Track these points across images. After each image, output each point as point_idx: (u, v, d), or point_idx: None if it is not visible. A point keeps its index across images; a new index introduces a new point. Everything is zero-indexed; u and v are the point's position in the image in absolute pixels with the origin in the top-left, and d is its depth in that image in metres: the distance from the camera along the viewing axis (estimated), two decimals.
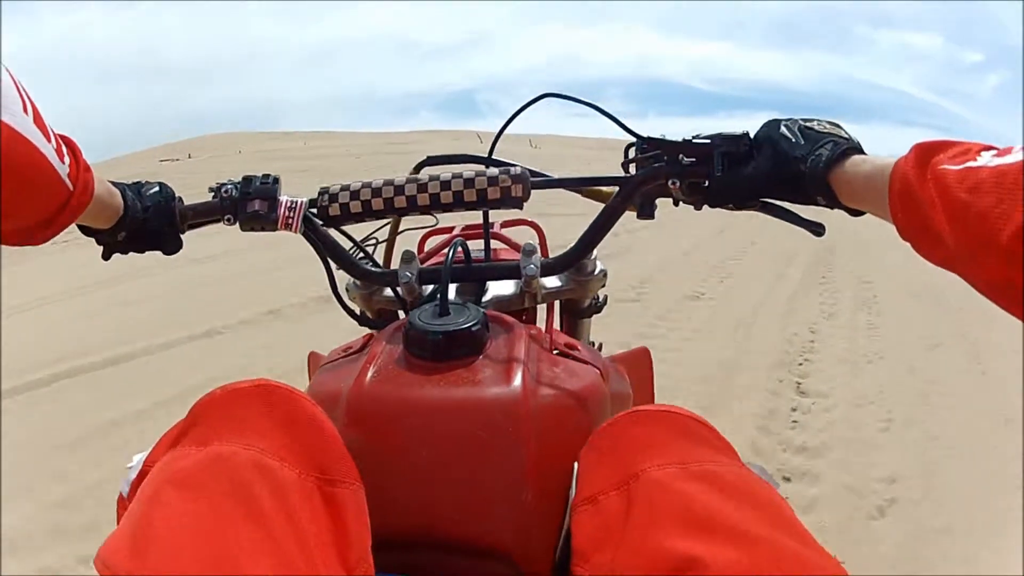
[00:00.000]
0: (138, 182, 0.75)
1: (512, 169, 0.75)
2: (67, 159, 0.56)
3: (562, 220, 2.58)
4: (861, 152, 0.61)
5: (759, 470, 0.57)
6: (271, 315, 3.65)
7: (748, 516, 0.45)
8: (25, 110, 0.51)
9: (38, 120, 0.52)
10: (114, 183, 0.70)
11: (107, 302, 4.11)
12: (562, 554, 0.55)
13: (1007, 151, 0.46)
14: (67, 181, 0.56)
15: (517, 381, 0.59)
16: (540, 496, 0.56)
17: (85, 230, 0.70)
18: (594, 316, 0.99)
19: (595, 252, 0.83)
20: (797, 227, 0.69)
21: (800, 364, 2.93)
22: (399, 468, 0.56)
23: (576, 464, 0.57)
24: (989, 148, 0.48)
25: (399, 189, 0.74)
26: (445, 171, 0.76)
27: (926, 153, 0.51)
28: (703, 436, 0.55)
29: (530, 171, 0.77)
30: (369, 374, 0.61)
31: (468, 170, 0.75)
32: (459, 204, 0.74)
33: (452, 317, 0.65)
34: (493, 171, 0.74)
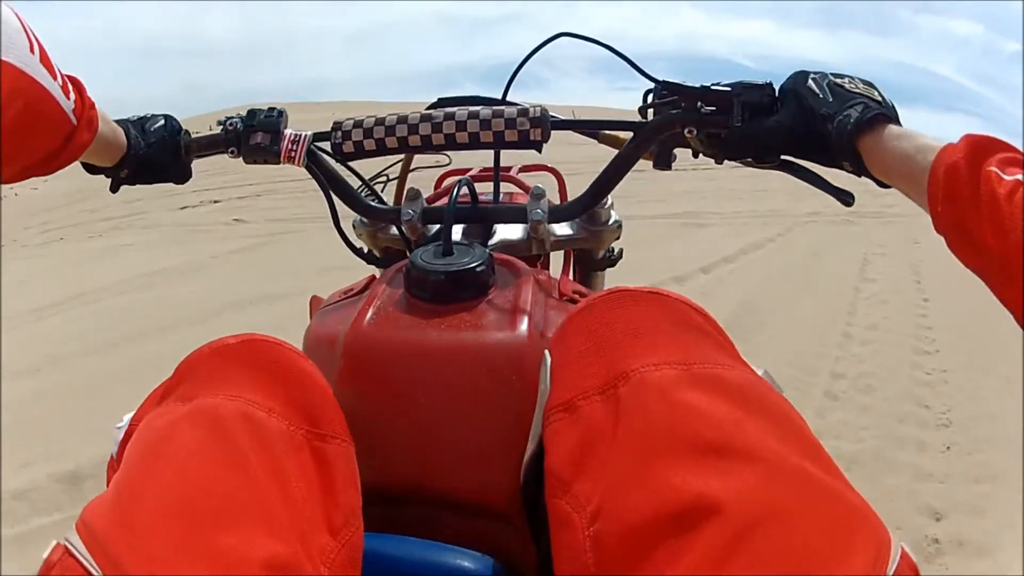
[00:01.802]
0: (143, 117, 0.77)
1: (532, 110, 0.72)
2: (72, 95, 0.59)
3: None
4: (893, 117, 0.58)
5: (765, 375, 0.47)
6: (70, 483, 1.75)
7: (765, 435, 0.38)
8: (32, 50, 0.53)
9: (44, 59, 0.55)
10: (117, 121, 0.73)
11: None
12: (528, 475, 0.50)
13: None
14: (71, 116, 0.59)
15: (523, 327, 0.57)
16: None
17: (89, 168, 0.73)
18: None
19: (610, 200, 0.82)
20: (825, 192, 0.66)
21: None
22: (394, 416, 0.55)
23: (547, 357, 0.50)
24: None
25: (413, 128, 0.73)
26: (462, 109, 0.74)
27: (978, 150, 0.48)
28: (702, 327, 0.48)
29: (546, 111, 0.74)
30: (368, 316, 0.59)
31: (486, 110, 0.73)
32: (475, 144, 0.73)
33: (456, 257, 0.63)
34: (511, 111, 0.72)
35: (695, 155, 0.73)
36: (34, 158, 0.59)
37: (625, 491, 0.38)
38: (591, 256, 0.93)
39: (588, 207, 0.77)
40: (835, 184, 0.65)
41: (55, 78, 0.56)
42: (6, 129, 0.52)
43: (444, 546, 0.50)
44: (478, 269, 0.61)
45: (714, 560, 0.33)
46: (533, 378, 0.52)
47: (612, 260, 0.95)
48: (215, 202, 6.27)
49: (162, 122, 0.77)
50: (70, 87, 0.59)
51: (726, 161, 0.70)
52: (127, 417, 0.55)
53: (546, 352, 0.51)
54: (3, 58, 0.50)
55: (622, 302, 0.49)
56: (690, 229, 4.79)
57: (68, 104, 0.58)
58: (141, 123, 0.76)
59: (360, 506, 0.47)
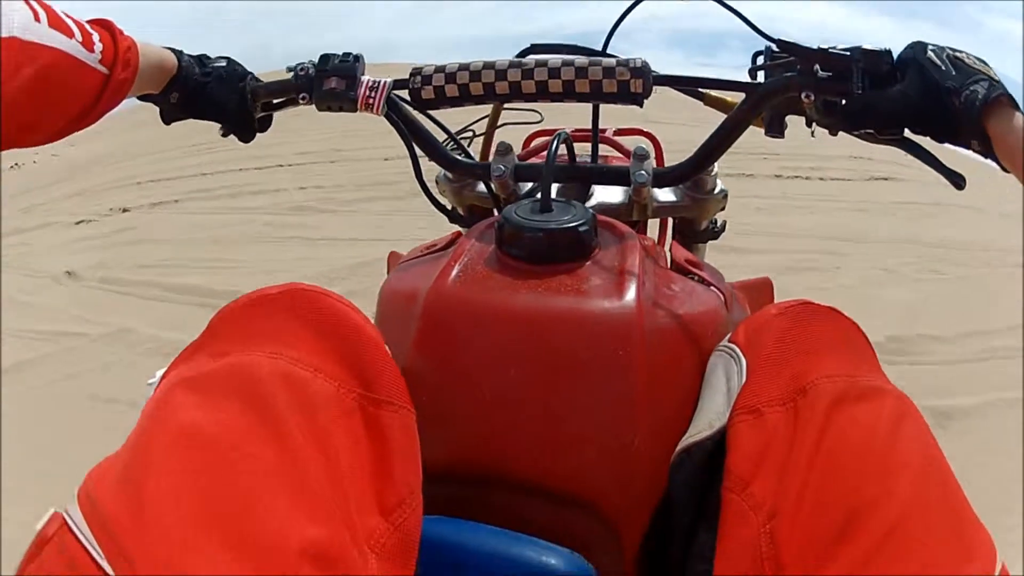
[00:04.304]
0: (203, 54, 0.77)
1: (632, 60, 0.68)
2: (98, 47, 0.61)
3: None
4: (1013, 100, 0.56)
5: None
6: None
7: (912, 444, 0.43)
8: (37, 18, 0.56)
9: (55, 22, 0.57)
10: (172, 48, 0.74)
11: None
12: (693, 458, 0.48)
13: None
14: (99, 67, 0.61)
15: (630, 295, 0.52)
16: (648, 440, 0.49)
17: (140, 96, 0.74)
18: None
19: (716, 168, 0.79)
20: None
21: None
22: (479, 386, 0.50)
23: (739, 354, 0.52)
24: None
25: (501, 74, 0.69)
26: (555, 57, 0.70)
27: None
28: (864, 346, 0.53)
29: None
30: (453, 272, 0.55)
31: (582, 58, 0.69)
32: (570, 95, 0.69)
33: (555, 214, 0.58)
34: (610, 61, 0.68)
35: (808, 124, 0.69)
36: (64, 119, 0.61)
37: (800, 495, 0.41)
38: (693, 226, 0.87)
39: (694, 172, 0.72)
40: (948, 167, 0.62)
41: (72, 36, 0.58)
42: (17, 100, 0.53)
43: (524, 537, 0.45)
44: (581, 228, 0.56)
45: (867, 551, 0.38)
46: (642, 355, 0.49)
47: (715, 232, 0.89)
48: (124, 211, 4.74)
49: (224, 63, 0.76)
50: (95, 38, 0.60)
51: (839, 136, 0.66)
52: (159, 373, 0.50)
53: (736, 347, 0.52)
54: (3, 35, 0.53)
55: (814, 316, 0.53)
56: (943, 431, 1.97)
57: (92, 57, 0.60)
58: (200, 57, 0.76)
59: (419, 484, 0.43)
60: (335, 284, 2.93)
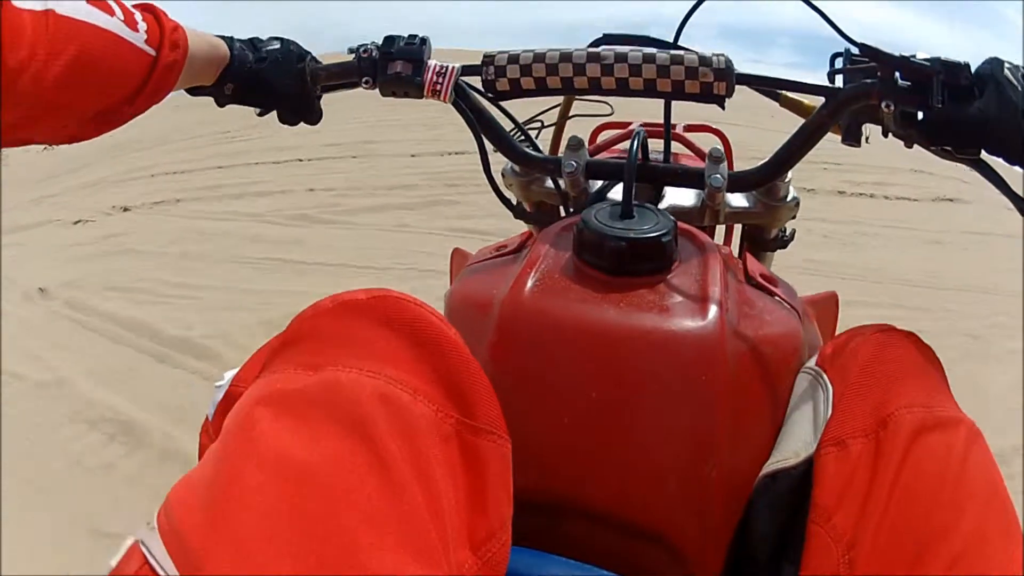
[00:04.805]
0: (254, 37, 0.74)
1: (716, 60, 0.65)
2: (142, 26, 0.57)
3: None
4: None
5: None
6: None
7: (979, 473, 0.44)
8: None
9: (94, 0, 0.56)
10: (222, 36, 0.71)
11: None
12: (778, 488, 0.48)
13: None
14: (145, 47, 0.57)
15: (713, 315, 0.50)
16: (726, 471, 0.47)
17: (191, 90, 0.71)
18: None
19: (789, 174, 0.75)
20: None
21: None
22: (555, 407, 0.48)
23: (827, 380, 0.51)
24: None
25: (579, 68, 0.67)
26: (635, 51, 0.67)
27: None
28: (939, 372, 0.53)
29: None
30: (530, 281, 0.52)
31: (663, 54, 0.66)
32: (650, 92, 0.67)
33: (636, 221, 0.56)
34: (692, 58, 0.65)
35: (885, 134, 0.66)
36: (108, 102, 0.56)
37: (878, 525, 0.42)
38: (762, 234, 0.84)
39: (771, 178, 0.69)
40: (1016, 192, 0.61)
41: (113, 14, 0.54)
42: (60, 81, 0.49)
43: (593, 570, 0.44)
44: (664, 239, 0.54)
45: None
46: (726, 380, 0.48)
47: (784, 241, 0.86)
48: (125, 210, 4.46)
49: (278, 44, 0.73)
50: (137, 17, 0.56)
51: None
52: (229, 375, 0.49)
53: (823, 373, 0.52)
54: (38, 8, 0.49)
55: (896, 342, 0.52)
56: None
57: (138, 36, 0.56)
58: (252, 41, 0.72)
59: (510, 516, 0.42)
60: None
